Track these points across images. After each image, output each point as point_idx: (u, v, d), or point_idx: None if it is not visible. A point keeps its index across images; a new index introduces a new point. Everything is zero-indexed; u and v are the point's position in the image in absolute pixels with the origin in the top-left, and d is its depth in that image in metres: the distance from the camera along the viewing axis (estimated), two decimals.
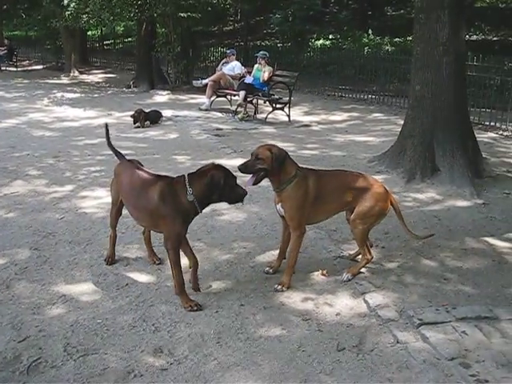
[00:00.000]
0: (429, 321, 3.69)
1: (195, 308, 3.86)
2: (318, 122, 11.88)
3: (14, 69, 23.14)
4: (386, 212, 4.48)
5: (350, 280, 4.34)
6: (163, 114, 11.45)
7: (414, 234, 4.68)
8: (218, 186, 3.83)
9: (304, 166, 4.47)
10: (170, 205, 3.86)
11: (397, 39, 20.92)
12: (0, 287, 4.16)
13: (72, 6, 15.43)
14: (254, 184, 4.21)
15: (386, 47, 19.82)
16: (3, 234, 5.19)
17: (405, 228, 4.61)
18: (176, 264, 3.93)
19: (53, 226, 5.41)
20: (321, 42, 21.87)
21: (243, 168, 4.16)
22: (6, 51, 23.22)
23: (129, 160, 4.50)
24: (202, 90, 14.12)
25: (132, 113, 10.75)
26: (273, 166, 4.09)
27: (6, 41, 24.49)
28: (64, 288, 4.16)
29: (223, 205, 5.96)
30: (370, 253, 4.50)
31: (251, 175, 4.19)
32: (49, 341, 3.49)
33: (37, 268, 4.49)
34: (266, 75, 11.91)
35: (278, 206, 4.30)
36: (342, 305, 3.99)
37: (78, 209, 5.91)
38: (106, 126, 4.75)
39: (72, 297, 4.03)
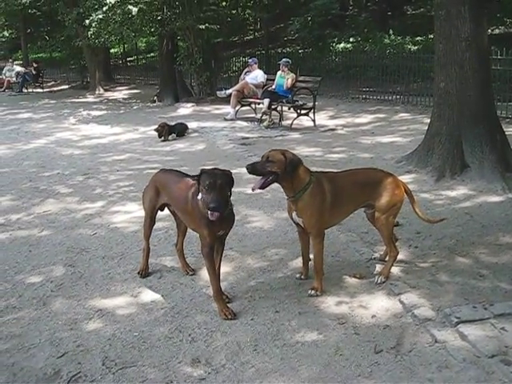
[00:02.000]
0: (466, 319, 3.63)
1: (229, 316, 3.86)
2: (344, 126, 11.84)
3: (41, 90, 23.54)
4: (403, 199, 4.44)
5: (384, 282, 4.31)
6: (189, 126, 11.53)
7: (426, 217, 4.66)
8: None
9: (315, 170, 4.40)
10: (197, 209, 3.89)
11: (418, 38, 20.76)
12: (37, 304, 4.22)
13: (94, 25, 15.67)
14: (261, 188, 4.07)
15: (408, 46, 19.69)
16: (38, 252, 5.27)
17: (417, 212, 4.58)
18: (209, 270, 3.94)
19: (86, 242, 5.48)
20: (342, 45, 21.82)
21: (251, 168, 3.98)
22: (34, 73, 23.62)
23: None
24: (226, 101, 14.19)
25: (156, 127, 10.87)
26: (285, 170, 3.95)
27: (33, 63, 24.91)
28: (100, 302, 4.20)
29: (253, 212, 6.08)
30: (396, 248, 4.46)
31: (260, 178, 4.04)
32: (87, 355, 3.52)
33: (72, 284, 4.55)
34: (289, 82, 11.94)
35: (294, 215, 4.20)
36: (378, 306, 3.96)
37: (109, 224, 5.97)
38: None
39: (108, 311, 4.07)
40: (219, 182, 3.69)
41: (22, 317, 4.04)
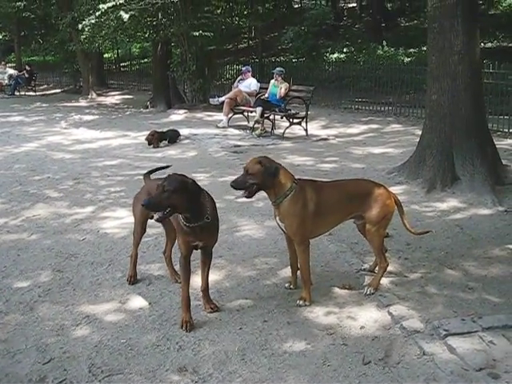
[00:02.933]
0: (455, 331, 3.63)
1: (187, 329, 3.81)
2: (336, 136, 11.87)
3: (33, 93, 23.46)
4: (393, 210, 4.42)
5: (373, 293, 4.30)
6: (181, 133, 11.51)
7: (413, 230, 4.68)
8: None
9: (303, 178, 4.44)
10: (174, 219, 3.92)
11: (411, 50, 20.91)
12: (24, 309, 4.19)
13: (87, 29, 15.65)
14: (247, 197, 4.14)
15: (401, 58, 19.81)
16: (26, 256, 5.23)
17: (405, 224, 4.58)
18: (182, 277, 3.95)
19: (75, 247, 5.44)
20: (335, 55, 21.93)
21: (235, 185, 4.07)
22: (27, 76, 23.55)
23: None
24: (218, 108, 14.20)
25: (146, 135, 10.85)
26: (264, 179, 4.01)
27: (26, 66, 24.85)
28: (87, 309, 4.18)
29: (244, 220, 6.07)
30: (385, 260, 4.46)
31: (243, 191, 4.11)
32: (73, 362, 3.49)
33: (60, 290, 4.52)
34: (282, 91, 11.97)
35: (277, 219, 4.24)
36: (366, 317, 3.95)
37: (99, 230, 5.95)
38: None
39: (95, 317, 4.04)
40: (163, 185, 3.63)
41: (9, 322, 4.01)
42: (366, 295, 4.29)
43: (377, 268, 4.54)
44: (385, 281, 4.51)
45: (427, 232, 4.90)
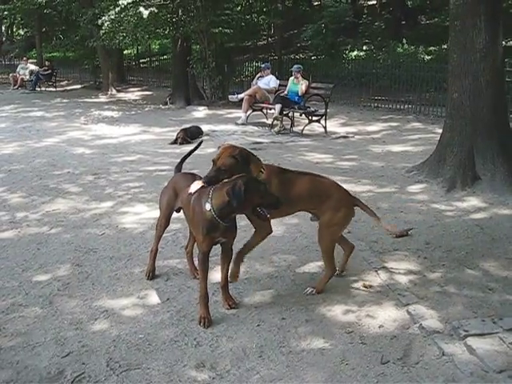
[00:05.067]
0: (475, 332, 3.59)
1: (205, 325, 3.82)
2: (355, 133, 11.81)
3: (54, 89, 23.63)
4: (349, 218, 4.32)
5: (313, 294, 4.27)
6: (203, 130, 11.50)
7: (393, 230, 4.80)
8: (237, 195, 3.62)
9: (271, 165, 4.47)
10: (197, 213, 3.89)
11: (432, 48, 20.73)
12: (43, 303, 4.22)
13: (106, 25, 15.73)
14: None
15: (421, 56, 19.66)
16: (46, 250, 5.27)
17: (384, 227, 4.56)
18: (201, 274, 3.95)
19: (94, 242, 5.47)
20: (355, 53, 21.82)
21: (208, 182, 3.94)
22: (49, 71, 23.73)
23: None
24: (238, 105, 14.21)
25: (175, 133, 10.88)
26: (236, 172, 3.88)
27: (47, 62, 25.03)
28: (106, 303, 4.20)
29: None
30: (333, 267, 4.34)
31: None
32: (92, 356, 3.51)
33: (79, 284, 4.55)
34: (304, 87, 11.93)
35: None
36: (385, 316, 3.93)
37: (118, 225, 5.97)
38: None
39: (114, 312, 4.06)
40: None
41: (28, 315, 4.04)
42: (306, 294, 4.27)
43: (340, 270, 4.57)
44: (404, 280, 4.49)
45: (408, 231, 4.98)
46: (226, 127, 12.64)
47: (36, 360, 3.47)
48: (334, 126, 12.67)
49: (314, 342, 3.62)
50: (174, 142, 10.65)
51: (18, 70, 24.37)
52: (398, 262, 4.85)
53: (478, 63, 7.04)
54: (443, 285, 4.42)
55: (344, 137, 11.41)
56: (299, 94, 11.96)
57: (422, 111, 14.43)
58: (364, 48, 22.32)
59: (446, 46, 18.79)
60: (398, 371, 3.29)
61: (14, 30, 42.39)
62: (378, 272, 4.63)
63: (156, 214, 5.49)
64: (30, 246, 5.36)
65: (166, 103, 17.76)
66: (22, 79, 23.76)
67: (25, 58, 25.70)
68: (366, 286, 4.38)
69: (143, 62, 29.78)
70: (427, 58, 19.40)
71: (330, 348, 3.54)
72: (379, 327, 3.79)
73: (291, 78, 12.46)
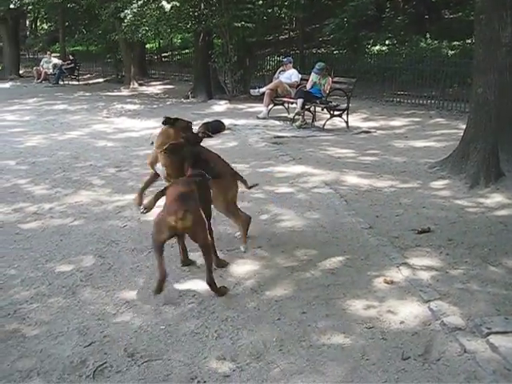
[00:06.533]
0: (498, 330, 3.56)
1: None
2: (377, 128, 11.73)
3: (76, 82, 23.81)
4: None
5: (246, 249, 4.93)
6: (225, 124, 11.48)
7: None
8: None
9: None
10: None
11: (455, 42, 20.48)
12: (66, 293, 4.27)
13: (128, 18, 15.80)
14: None
15: (445, 51, 19.44)
16: (69, 241, 5.33)
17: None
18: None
19: (116, 233, 5.52)
20: (377, 47, 21.64)
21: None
22: (72, 65, 23.93)
23: None
24: (259, 99, 14.19)
25: (197, 127, 10.84)
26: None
27: (70, 56, 25.25)
28: (128, 294, 4.23)
29: (284, 211, 6.05)
30: (240, 215, 5.04)
31: None
32: (113, 346, 3.55)
33: (101, 275, 4.59)
34: (326, 86, 11.83)
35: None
36: (406, 312, 3.90)
37: (140, 217, 5.99)
38: None
39: (135, 303, 4.10)
40: None
41: (52, 304, 4.09)
42: (244, 252, 4.89)
43: (238, 233, 5.16)
44: (426, 276, 4.46)
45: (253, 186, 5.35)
46: (248, 121, 12.63)
47: (59, 349, 3.52)
48: (355, 120, 12.60)
49: (335, 336, 3.61)
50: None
51: (41, 63, 24.61)
52: (419, 257, 4.82)
53: (504, 58, 6.95)
54: (466, 281, 4.38)
55: (366, 132, 11.34)
56: (323, 93, 11.85)
57: (445, 106, 14.28)
58: (386, 42, 22.10)
59: (470, 41, 18.55)
60: (418, 367, 3.28)
61: (38, 24, 42.72)
62: (400, 268, 4.61)
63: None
64: (54, 237, 5.43)
65: (187, 97, 17.79)
66: (46, 73, 23.98)
67: (48, 52, 25.95)
68: (387, 282, 4.36)
69: (165, 56, 29.86)
70: (451, 52, 19.16)
71: (351, 343, 3.54)
72: (400, 323, 3.77)
73: (313, 73, 12.38)
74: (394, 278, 4.43)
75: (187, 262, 4.74)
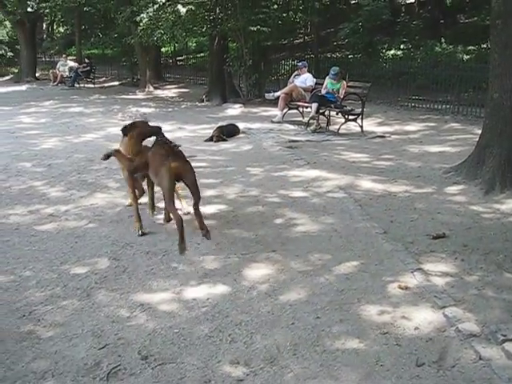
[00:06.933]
0: None
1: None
2: (392, 133, 11.68)
3: (92, 85, 23.95)
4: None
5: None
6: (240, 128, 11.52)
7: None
8: None
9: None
10: None
11: (471, 47, 20.38)
12: (81, 295, 4.30)
13: (144, 21, 15.89)
14: None
15: (460, 56, 19.34)
16: (84, 243, 5.37)
17: None
18: None
19: (130, 236, 5.54)
20: (392, 52, 21.58)
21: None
22: (88, 68, 24.10)
23: None
24: (273, 103, 14.20)
25: (211, 130, 10.96)
26: None
27: (86, 59, 25.43)
28: (142, 297, 4.25)
29: (298, 215, 6.05)
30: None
31: None
32: (127, 349, 3.56)
33: (116, 277, 4.62)
34: (342, 92, 11.81)
35: None
36: (421, 318, 3.88)
37: (155, 220, 6.03)
38: None
39: (150, 306, 4.11)
40: None
41: (66, 306, 4.12)
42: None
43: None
44: (440, 282, 4.43)
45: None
46: (262, 125, 12.63)
47: (73, 351, 3.55)
48: (370, 125, 12.56)
49: (349, 341, 3.60)
50: (210, 139, 10.70)
51: (57, 66, 24.79)
52: (434, 263, 4.80)
53: None
54: (481, 288, 4.35)
55: (380, 136, 11.30)
56: (338, 100, 11.81)
57: (460, 111, 14.19)
58: (401, 47, 22.04)
59: (485, 46, 18.45)
60: (433, 374, 3.26)
61: (55, 27, 43.03)
62: (414, 273, 4.58)
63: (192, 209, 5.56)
64: (69, 239, 5.46)
65: (202, 100, 17.84)
66: (62, 75, 24.15)
67: (64, 55, 26.11)
68: (401, 288, 4.34)
69: (180, 60, 29.97)
70: (466, 57, 19.07)
71: (365, 348, 3.53)
72: (415, 329, 3.75)
73: (328, 77, 12.37)
74: (408, 283, 4.41)
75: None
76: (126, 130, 5.70)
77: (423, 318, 3.89)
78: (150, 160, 5.44)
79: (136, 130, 5.71)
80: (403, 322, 3.84)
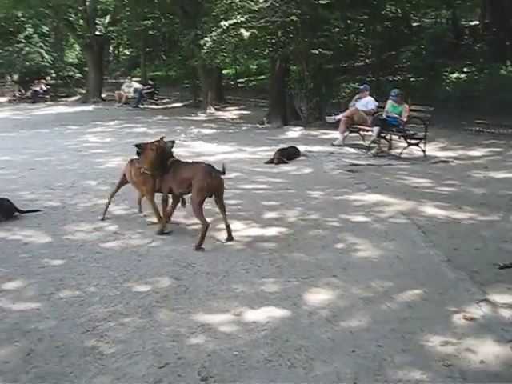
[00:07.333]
0: None
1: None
2: (455, 158, 11.44)
3: (155, 106, 24.50)
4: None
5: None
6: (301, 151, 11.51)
7: None
8: None
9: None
10: None
11: None
12: (142, 313, 4.36)
13: (208, 45, 16.18)
14: None
15: None
16: (146, 262, 5.46)
17: None
18: None
19: (192, 256, 5.60)
20: (455, 75, 21.23)
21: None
22: (152, 89, 24.71)
23: None
24: (334, 126, 14.14)
25: (271, 152, 11.03)
26: None
27: (150, 81, 26.11)
28: (202, 318, 4.27)
29: (359, 241, 5.98)
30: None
31: None
32: (187, 368, 3.58)
33: (176, 297, 4.66)
34: (405, 115, 11.67)
35: None
36: (487, 351, 3.75)
37: (215, 241, 6.08)
38: None
39: (210, 327, 4.13)
40: None
41: (128, 324, 4.19)
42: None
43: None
44: (508, 314, 4.28)
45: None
46: (323, 148, 12.60)
47: (134, 368, 3.59)
48: (433, 149, 12.33)
49: (411, 372, 3.51)
50: (271, 161, 10.74)
51: (122, 87, 25.53)
52: (501, 294, 4.64)
53: None
54: None
55: (444, 161, 11.08)
56: (400, 120, 11.67)
57: None
58: (465, 70, 21.66)
59: None
60: None
61: (121, 49, 44.44)
62: (480, 304, 4.44)
63: (254, 231, 5.60)
64: (132, 257, 5.57)
65: (262, 122, 17.94)
66: (127, 96, 24.82)
67: (129, 77, 26.91)
68: (466, 318, 4.21)
69: (241, 82, 30.37)
70: None
71: (428, 380, 3.43)
72: (480, 362, 3.62)
73: (390, 101, 12.26)
74: (473, 314, 4.28)
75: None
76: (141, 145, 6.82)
77: (489, 351, 3.75)
78: (181, 172, 6.22)
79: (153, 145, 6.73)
80: (468, 354, 3.72)
